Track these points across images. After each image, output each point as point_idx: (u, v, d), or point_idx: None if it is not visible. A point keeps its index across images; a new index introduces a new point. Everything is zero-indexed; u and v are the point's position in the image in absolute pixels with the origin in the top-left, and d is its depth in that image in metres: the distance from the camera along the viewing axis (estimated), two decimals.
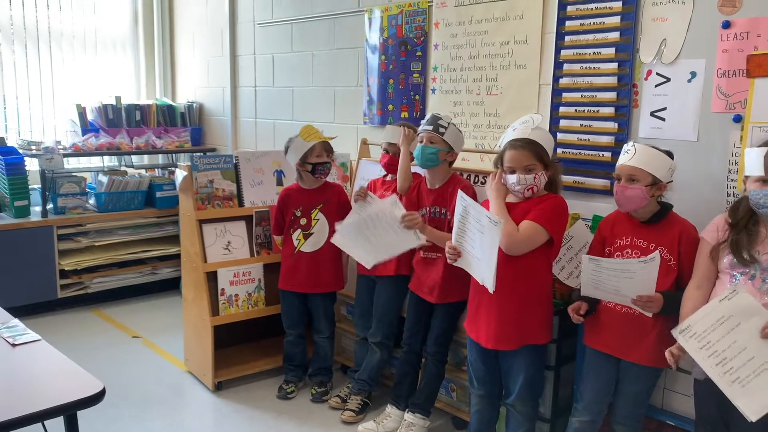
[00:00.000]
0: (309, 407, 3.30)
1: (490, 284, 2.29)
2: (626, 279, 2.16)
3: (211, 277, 3.39)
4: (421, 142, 2.82)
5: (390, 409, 3.04)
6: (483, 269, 2.34)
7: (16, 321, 2.31)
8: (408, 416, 2.94)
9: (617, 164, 2.34)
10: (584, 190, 2.98)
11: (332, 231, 3.16)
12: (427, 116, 2.88)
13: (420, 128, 2.88)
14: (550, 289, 2.49)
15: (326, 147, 3.22)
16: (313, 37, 4.46)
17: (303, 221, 3.28)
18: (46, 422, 1.88)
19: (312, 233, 3.27)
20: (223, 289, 3.40)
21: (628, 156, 2.30)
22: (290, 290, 3.33)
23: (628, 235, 2.36)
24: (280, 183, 3.74)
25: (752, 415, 1.85)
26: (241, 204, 3.63)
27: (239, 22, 5.09)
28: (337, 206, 3.25)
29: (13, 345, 2.10)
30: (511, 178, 2.39)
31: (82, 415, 1.82)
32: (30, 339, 2.15)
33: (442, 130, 2.80)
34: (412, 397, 2.99)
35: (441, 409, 3.14)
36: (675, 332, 2.01)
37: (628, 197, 2.29)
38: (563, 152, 3.07)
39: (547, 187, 2.48)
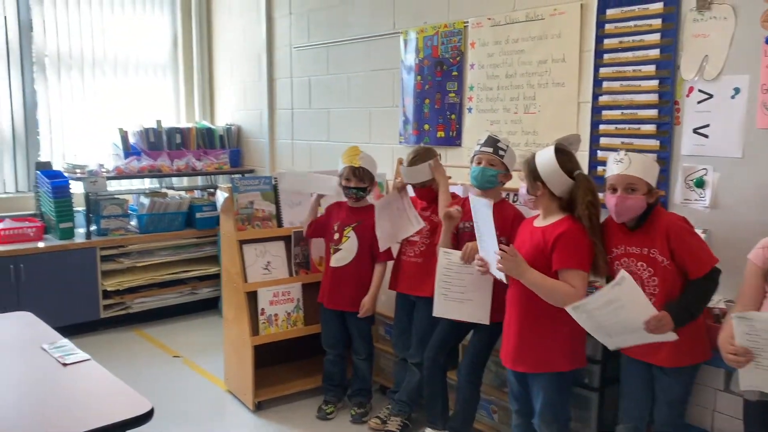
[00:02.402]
0: (348, 428, 3.30)
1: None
2: (619, 310, 2.12)
3: (251, 297, 3.43)
4: (479, 163, 2.81)
5: (429, 431, 3.02)
6: (492, 257, 2.41)
7: (65, 341, 2.37)
8: None
9: (610, 174, 2.32)
10: None
11: (361, 251, 3.28)
12: (484, 137, 2.86)
13: (477, 149, 2.84)
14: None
15: (356, 173, 3.23)
16: (348, 60, 4.52)
17: (336, 236, 3.33)
18: None
19: (340, 249, 3.30)
20: (263, 309, 3.43)
21: (624, 165, 2.28)
22: (327, 307, 3.36)
23: (621, 243, 2.34)
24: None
25: None
26: (279, 225, 3.67)
27: (276, 46, 5.19)
28: (372, 228, 3.24)
29: (64, 365, 2.15)
30: (522, 189, 2.51)
31: None
32: (80, 359, 2.21)
33: (501, 152, 2.82)
34: (450, 420, 2.96)
35: (482, 431, 3.11)
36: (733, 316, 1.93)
37: (629, 207, 2.27)
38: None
39: (565, 208, 2.43)
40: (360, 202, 3.33)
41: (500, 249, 2.30)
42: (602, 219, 2.42)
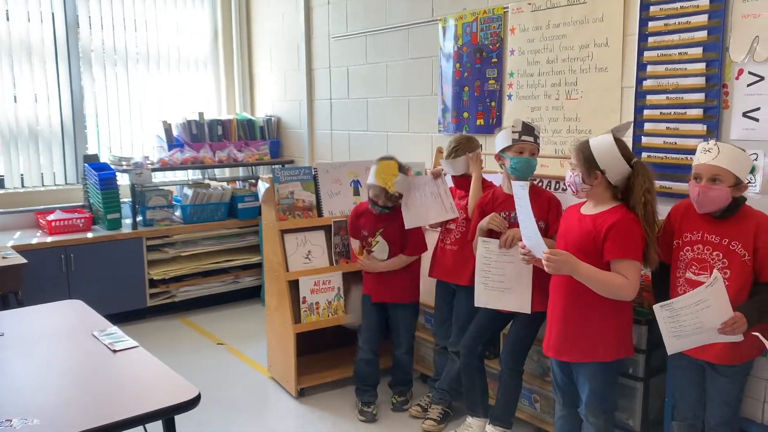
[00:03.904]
0: (389, 415, 3.33)
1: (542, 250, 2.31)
2: (704, 310, 2.08)
3: (293, 286, 3.47)
4: (521, 153, 2.78)
5: (470, 420, 3.02)
6: (534, 243, 2.36)
7: (114, 328, 2.44)
8: (489, 428, 2.90)
9: (697, 162, 2.25)
10: (671, 195, 2.87)
11: (393, 252, 3.27)
12: (518, 125, 2.80)
13: (514, 138, 2.78)
14: (627, 304, 2.39)
15: (388, 195, 3.16)
16: (387, 48, 4.51)
17: (370, 239, 3.33)
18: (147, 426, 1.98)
19: (372, 251, 3.31)
20: (304, 297, 3.47)
21: (711, 155, 2.21)
22: (370, 298, 3.35)
23: (698, 229, 2.28)
24: (357, 193, 3.80)
25: None
26: (320, 214, 3.70)
27: (314, 36, 5.21)
28: (400, 228, 3.22)
29: (114, 351, 2.22)
30: (568, 174, 2.43)
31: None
32: (128, 345, 2.27)
33: (538, 141, 2.83)
34: (491, 409, 2.95)
35: (525, 421, 3.09)
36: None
37: (712, 198, 2.20)
38: (649, 156, 2.97)
39: (617, 197, 2.40)
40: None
41: (546, 253, 2.27)
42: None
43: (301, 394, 3.53)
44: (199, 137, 5.36)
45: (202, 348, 4.30)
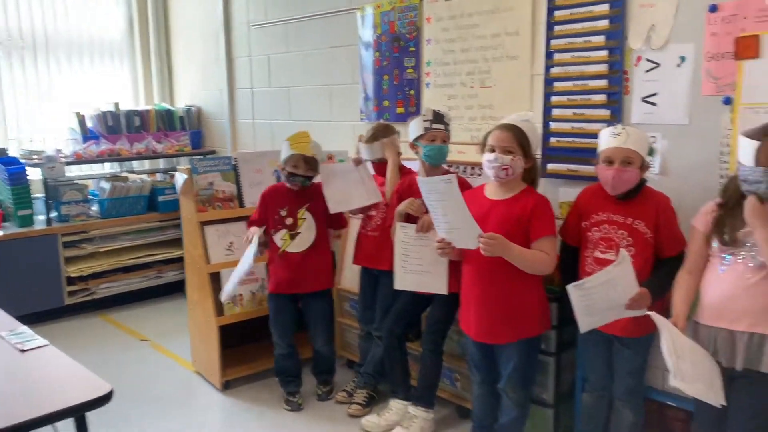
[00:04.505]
0: (316, 404, 3.35)
1: (475, 241, 2.32)
2: (613, 288, 2.20)
3: (215, 278, 3.43)
4: (433, 140, 2.84)
5: (393, 402, 3.08)
6: (465, 233, 2.36)
7: (24, 327, 2.35)
8: (411, 409, 2.97)
9: (606, 147, 2.36)
10: (578, 178, 3.00)
11: (319, 230, 3.23)
12: (429, 113, 2.87)
13: (425, 126, 2.85)
14: (540, 280, 2.51)
15: (307, 160, 3.14)
16: (307, 37, 4.49)
17: (289, 221, 3.21)
18: (57, 424, 1.93)
19: (299, 233, 3.22)
20: None
21: (622, 139, 2.33)
22: (280, 293, 3.24)
23: (605, 210, 2.41)
24: (279, 182, 3.77)
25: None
26: (241, 205, 3.66)
27: (234, 24, 5.13)
28: (324, 204, 3.20)
29: (22, 351, 2.14)
30: (489, 156, 2.43)
31: (93, 416, 1.86)
32: (38, 344, 2.20)
33: (449, 127, 2.90)
34: (413, 390, 3.02)
35: (446, 399, 3.18)
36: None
37: (626, 180, 2.33)
38: (557, 141, 3.09)
39: (526, 181, 2.52)
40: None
41: (484, 237, 2.30)
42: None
43: (227, 386, 3.51)
44: (116, 129, 5.19)
45: (124, 345, 4.19)
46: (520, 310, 2.46)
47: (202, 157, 4.64)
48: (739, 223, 2.03)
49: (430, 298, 2.92)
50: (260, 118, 5.05)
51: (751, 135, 1.97)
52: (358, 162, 3.22)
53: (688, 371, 2.02)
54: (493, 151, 2.43)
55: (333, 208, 3.21)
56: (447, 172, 2.91)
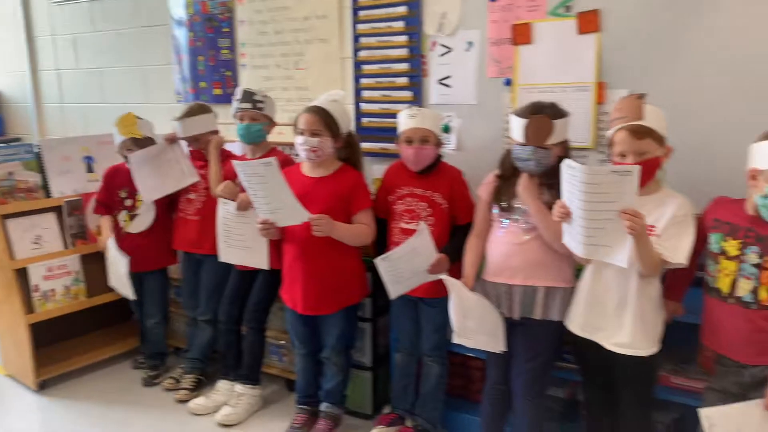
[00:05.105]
0: (141, 392, 3.29)
1: (302, 217, 2.41)
2: (415, 257, 2.43)
3: (22, 274, 3.22)
4: (242, 120, 2.87)
5: (219, 383, 3.12)
6: (289, 211, 2.44)
7: None
8: (238, 387, 3.02)
9: (405, 127, 2.56)
10: (390, 155, 3.19)
11: (158, 211, 3.22)
12: (238, 93, 2.92)
13: (235, 106, 2.90)
14: (358, 250, 2.69)
15: (138, 142, 3.13)
16: (116, 15, 4.28)
17: (128, 202, 3.24)
18: None
19: (137, 214, 3.23)
20: (36, 285, 3.25)
21: (418, 120, 2.54)
22: (130, 271, 3.19)
23: (408, 185, 2.62)
24: (90, 170, 3.60)
25: None
26: (48, 195, 3.45)
27: (32, 2, 4.73)
28: None
29: None
30: (299, 139, 2.55)
31: None
32: None
33: (260, 105, 2.89)
34: (239, 369, 3.07)
35: (275, 375, 3.27)
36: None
37: (425, 156, 2.55)
38: (369, 122, 3.27)
39: (343, 158, 2.66)
40: None
41: (314, 218, 2.40)
42: None
43: (43, 386, 3.32)
44: None
45: None
46: (342, 281, 2.62)
47: (8, 144, 4.28)
48: (513, 192, 2.30)
49: (255, 276, 2.97)
50: (70, 101, 4.74)
51: (520, 114, 2.23)
52: (172, 139, 3.15)
53: (472, 327, 2.29)
54: (302, 134, 2.53)
55: (147, 197, 3.15)
56: (273, 151, 2.97)
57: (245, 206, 2.76)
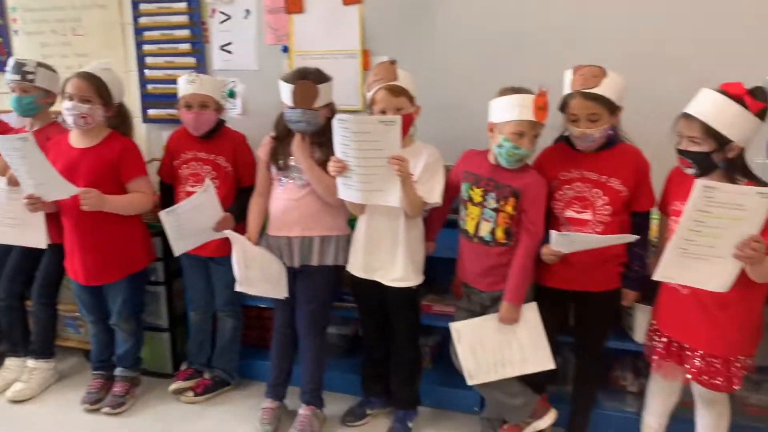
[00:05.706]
0: None
1: (69, 191, 2.42)
2: (201, 213, 2.55)
3: None
4: (14, 92, 2.77)
5: (8, 361, 3.03)
6: (54, 185, 2.42)
7: None
8: (30, 363, 2.96)
9: (184, 93, 2.64)
10: (176, 122, 3.21)
11: None
12: (11, 63, 2.80)
13: (8, 77, 2.79)
14: (140, 217, 2.73)
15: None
16: None
17: None
18: None
19: None
20: None
21: (196, 85, 2.64)
22: None
23: (191, 149, 2.72)
24: None
25: None
26: None
27: None
28: None
29: None
30: (67, 104, 2.52)
31: None
32: None
33: (30, 76, 2.79)
34: (31, 344, 3.00)
35: (74, 348, 3.23)
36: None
37: (205, 121, 2.67)
38: (155, 88, 3.28)
39: (117, 126, 2.67)
40: None
41: (79, 193, 2.40)
42: None
43: None
44: None
45: None
46: (123, 249, 2.66)
47: None
48: (289, 152, 2.50)
49: (41, 251, 2.89)
50: None
51: (287, 79, 2.42)
52: None
53: (255, 276, 2.48)
54: (71, 99, 2.51)
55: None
56: (53, 124, 2.88)
57: (14, 182, 2.67)
